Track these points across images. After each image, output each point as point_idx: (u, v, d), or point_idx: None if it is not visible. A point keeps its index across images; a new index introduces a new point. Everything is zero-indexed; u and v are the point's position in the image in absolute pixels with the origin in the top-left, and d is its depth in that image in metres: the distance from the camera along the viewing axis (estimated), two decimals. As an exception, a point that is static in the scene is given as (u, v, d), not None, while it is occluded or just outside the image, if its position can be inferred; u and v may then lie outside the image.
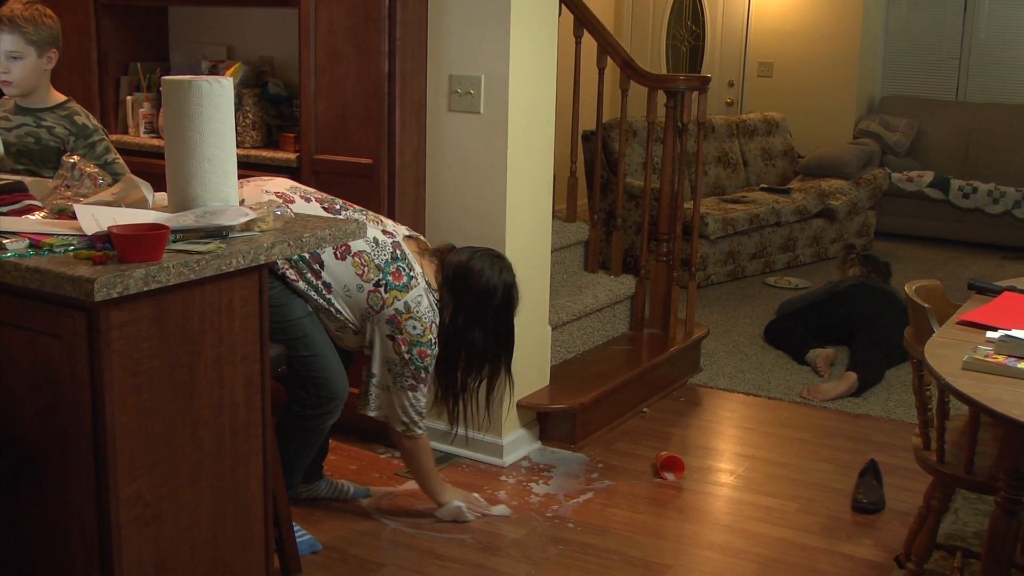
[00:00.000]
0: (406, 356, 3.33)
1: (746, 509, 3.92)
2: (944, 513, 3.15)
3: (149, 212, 2.53)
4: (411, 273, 3.34)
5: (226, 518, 2.59)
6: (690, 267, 5.35)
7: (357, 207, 3.49)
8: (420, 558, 3.47)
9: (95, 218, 2.40)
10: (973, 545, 3.45)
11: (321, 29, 4.07)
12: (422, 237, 3.63)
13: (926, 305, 3.02)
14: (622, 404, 4.71)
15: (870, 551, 3.62)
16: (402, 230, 3.51)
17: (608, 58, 5.02)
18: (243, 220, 2.48)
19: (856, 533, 3.75)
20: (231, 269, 2.39)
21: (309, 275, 3.27)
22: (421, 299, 3.34)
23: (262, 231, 2.54)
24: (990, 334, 2.81)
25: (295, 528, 3.32)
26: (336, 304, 3.32)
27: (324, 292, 3.30)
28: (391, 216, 4.01)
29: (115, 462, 2.26)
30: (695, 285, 5.39)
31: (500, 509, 3.79)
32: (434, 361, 3.41)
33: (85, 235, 2.35)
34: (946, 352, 2.73)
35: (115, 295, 2.13)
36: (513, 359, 3.60)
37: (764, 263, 7.68)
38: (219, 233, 2.44)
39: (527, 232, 4.19)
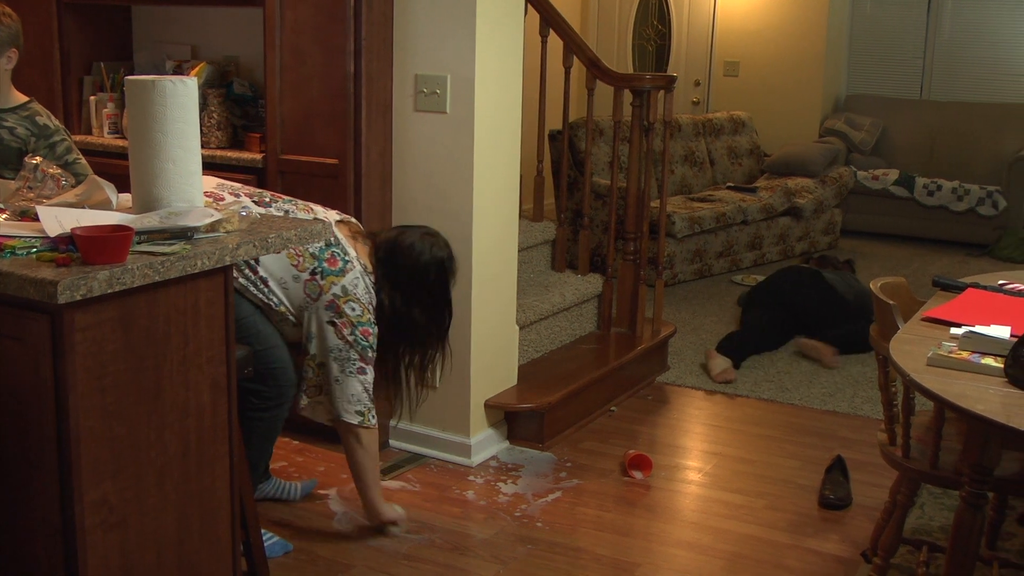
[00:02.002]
0: (350, 338, 3.32)
1: (714, 506, 3.93)
2: (910, 508, 3.18)
3: (113, 213, 2.51)
4: (346, 258, 3.33)
5: (193, 522, 2.57)
6: (657, 266, 5.36)
7: (286, 198, 3.47)
8: (388, 559, 3.46)
9: (58, 220, 2.38)
10: (939, 539, 3.48)
11: (286, 29, 4.06)
12: (354, 220, 3.61)
13: (891, 302, 3.05)
14: (590, 403, 4.71)
15: (837, 546, 3.64)
16: (333, 215, 3.49)
17: (574, 57, 5.03)
18: (208, 221, 2.47)
19: (823, 529, 3.77)
20: (196, 271, 2.37)
21: (247, 271, 3.28)
22: (358, 281, 3.33)
23: (227, 232, 2.52)
24: (954, 330, 2.83)
25: (263, 532, 3.31)
26: (275, 297, 3.32)
27: (262, 287, 3.30)
28: (357, 216, 4.00)
29: (79, 466, 2.24)
30: (662, 284, 5.40)
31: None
32: (376, 340, 3.39)
33: (48, 237, 2.32)
34: (911, 348, 2.75)
35: (79, 297, 2.11)
36: (449, 336, 3.61)
37: (731, 261, 7.71)
38: (184, 234, 2.43)
39: (494, 231, 4.19)
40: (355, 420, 3.41)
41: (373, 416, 3.44)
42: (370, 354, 3.37)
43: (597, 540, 3.64)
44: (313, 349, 3.36)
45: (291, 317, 3.36)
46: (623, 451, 4.32)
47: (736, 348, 5.57)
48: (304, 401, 3.44)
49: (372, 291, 3.38)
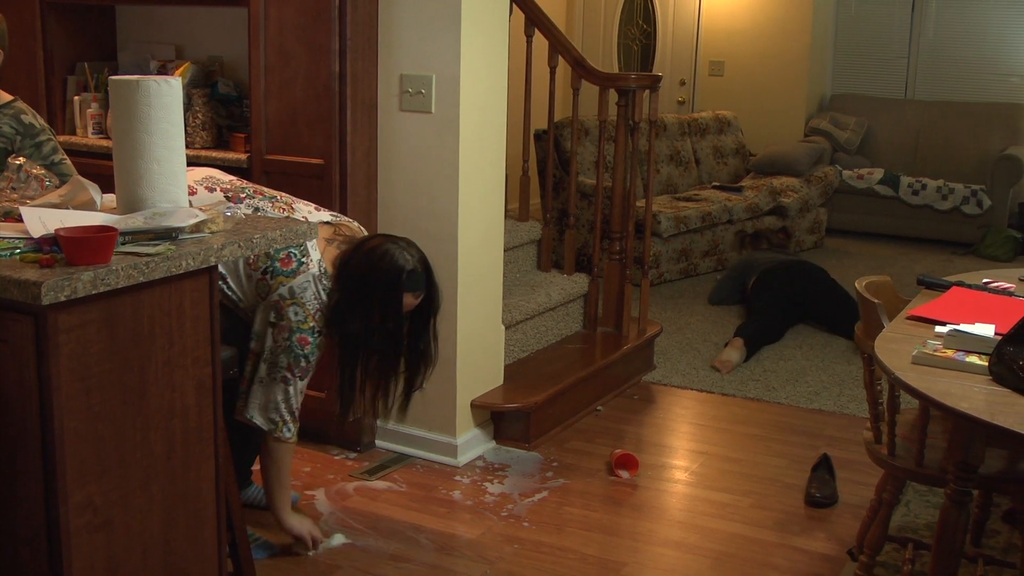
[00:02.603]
0: (284, 344, 3.16)
1: (700, 505, 3.94)
2: (896, 506, 3.19)
3: (97, 214, 2.50)
4: (302, 259, 3.17)
5: (178, 523, 2.56)
6: (643, 265, 5.36)
7: (268, 193, 3.37)
8: (375, 559, 3.46)
9: (42, 220, 2.37)
10: (924, 537, 3.49)
11: (271, 29, 4.05)
12: (348, 223, 3.43)
13: (876, 301, 3.05)
14: (576, 403, 4.71)
15: (823, 544, 3.65)
16: (321, 216, 3.37)
17: (559, 57, 5.03)
18: (193, 222, 2.46)
19: (809, 527, 3.78)
20: (181, 271, 2.37)
21: None
22: (308, 285, 3.16)
23: (212, 232, 2.52)
24: (939, 329, 2.84)
25: (249, 533, 3.30)
26: (234, 295, 3.22)
27: (222, 284, 3.18)
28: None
29: (64, 468, 2.23)
30: (648, 283, 5.41)
31: (337, 539, 3.58)
32: (317, 351, 3.21)
33: (32, 238, 2.31)
34: (896, 347, 2.76)
35: (63, 299, 2.10)
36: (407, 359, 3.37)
37: (717, 260, 7.73)
38: (168, 235, 2.42)
39: (480, 231, 4.18)
40: (265, 427, 3.24)
41: (289, 430, 3.26)
42: (303, 364, 3.19)
43: (584, 540, 3.64)
44: (255, 347, 3.21)
45: (248, 316, 3.25)
46: (609, 450, 4.33)
47: (754, 341, 5.72)
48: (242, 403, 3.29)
49: (324, 297, 3.20)
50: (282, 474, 3.38)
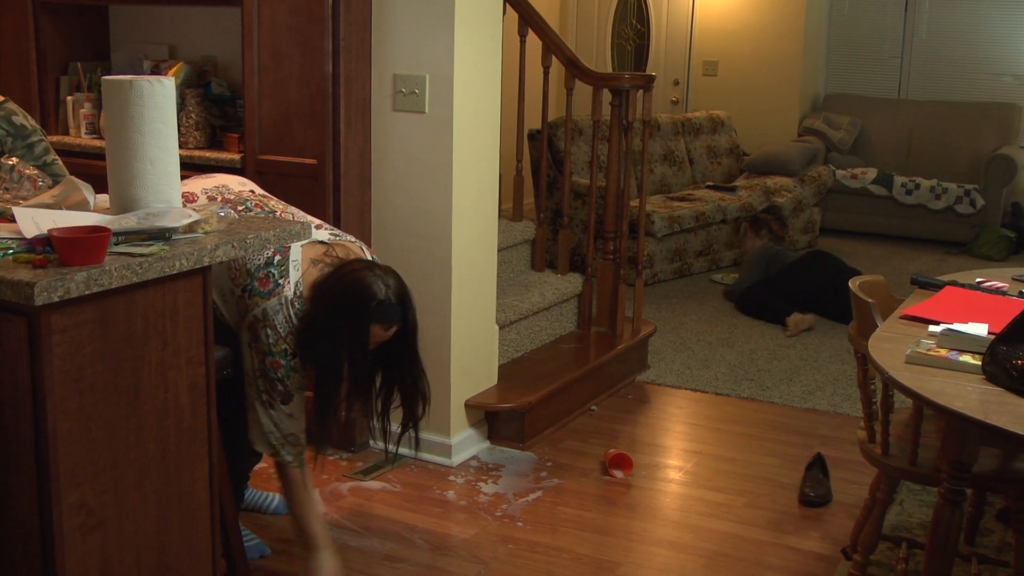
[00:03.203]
0: (261, 367, 3.04)
1: (694, 505, 3.94)
2: (889, 505, 3.19)
3: (90, 214, 2.50)
4: (279, 280, 3.02)
5: (172, 524, 2.56)
6: (637, 265, 5.37)
7: (269, 207, 3.22)
8: (369, 560, 3.46)
9: (35, 221, 2.36)
10: (918, 536, 3.50)
11: (264, 29, 4.04)
12: (351, 246, 3.22)
13: (870, 300, 3.06)
14: (570, 402, 4.71)
15: (817, 544, 3.65)
16: (319, 234, 3.19)
17: (553, 57, 5.03)
18: (186, 222, 2.46)
19: (803, 526, 3.79)
20: (175, 271, 2.36)
21: None
22: (280, 309, 3.03)
23: (206, 233, 2.51)
24: (932, 328, 2.85)
25: (243, 532, 3.29)
26: (217, 309, 3.08)
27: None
28: (336, 217, 3.99)
29: (58, 469, 2.23)
30: (642, 283, 5.40)
31: None
32: (293, 374, 3.07)
33: (25, 238, 2.31)
34: (890, 346, 2.76)
35: (56, 299, 2.10)
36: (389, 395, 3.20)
37: (710, 260, 7.73)
38: (162, 235, 2.42)
39: (473, 231, 4.18)
40: (267, 451, 3.14)
41: (289, 454, 3.12)
42: (279, 387, 3.05)
43: (578, 539, 3.64)
44: (244, 368, 3.11)
45: (233, 330, 3.14)
46: (604, 450, 4.33)
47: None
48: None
49: (295, 321, 3.03)
50: (298, 501, 3.19)
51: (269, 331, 3.01)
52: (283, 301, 3.02)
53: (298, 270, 3.07)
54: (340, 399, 3.08)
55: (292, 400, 3.09)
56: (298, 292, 3.05)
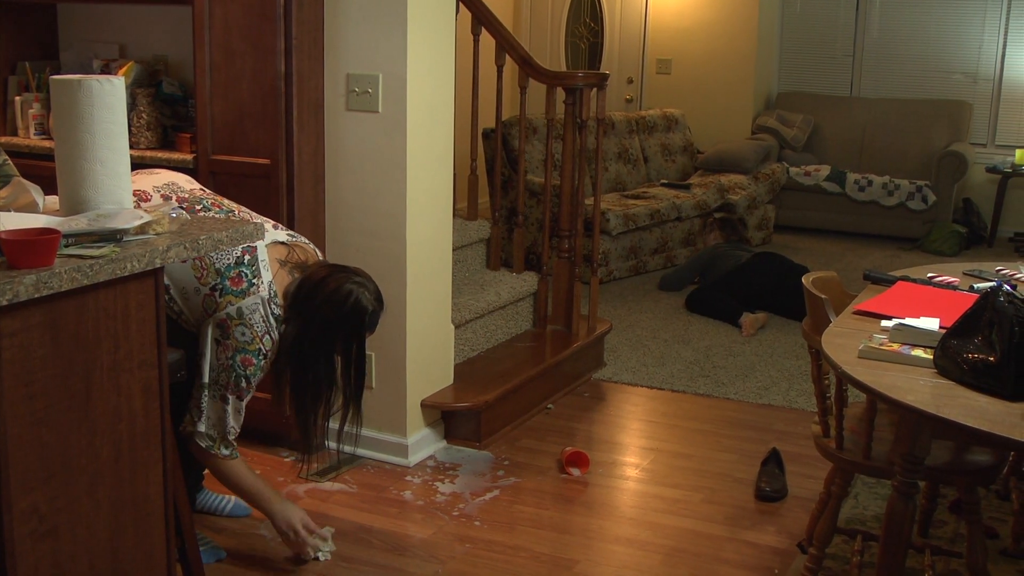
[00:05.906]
0: (228, 362, 3.13)
1: (651, 501, 3.95)
2: (844, 498, 3.22)
3: (39, 216, 2.47)
4: (253, 280, 3.12)
5: (126, 529, 2.53)
6: (592, 263, 5.38)
7: (226, 206, 3.29)
8: (326, 561, 3.44)
9: (-18, 223, 2.33)
10: (873, 528, 3.53)
11: (216, 27, 4.01)
12: (303, 244, 3.38)
13: (823, 296, 3.08)
14: (527, 401, 4.72)
15: (773, 538, 3.68)
16: (278, 235, 3.30)
17: (507, 55, 5.03)
18: (138, 223, 2.43)
19: (760, 521, 3.81)
20: (126, 273, 2.34)
21: None
22: (257, 307, 3.12)
23: (157, 234, 2.49)
24: (885, 323, 2.87)
25: (198, 536, 3.27)
26: (176, 305, 3.15)
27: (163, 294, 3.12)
28: (290, 217, 3.97)
29: (8, 475, 2.19)
30: (597, 281, 5.42)
31: (327, 546, 3.49)
32: (260, 373, 3.18)
33: (-28, 241, 2.28)
34: (843, 341, 2.79)
35: (4, 303, 2.07)
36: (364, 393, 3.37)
37: (666, 258, 7.76)
38: (113, 237, 2.39)
39: (428, 230, 4.17)
40: (203, 444, 3.23)
41: (226, 448, 3.25)
42: (243, 384, 3.16)
43: (535, 538, 3.64)
44: (202, 364, 3.17)
45: (193, 328, 3.20)
46: (560, 448, 4.33)
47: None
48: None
49: (272, 321, 3.16)
50: (243, 483, 3.35)
51: (245, 329, 3.12)
52: (260, 300, 3.13)
53: (268, 270, 3.17)
54: (332, 403, 3.29)
55: (246, 398, 3.20)
56: (272, 292, 3.16)
